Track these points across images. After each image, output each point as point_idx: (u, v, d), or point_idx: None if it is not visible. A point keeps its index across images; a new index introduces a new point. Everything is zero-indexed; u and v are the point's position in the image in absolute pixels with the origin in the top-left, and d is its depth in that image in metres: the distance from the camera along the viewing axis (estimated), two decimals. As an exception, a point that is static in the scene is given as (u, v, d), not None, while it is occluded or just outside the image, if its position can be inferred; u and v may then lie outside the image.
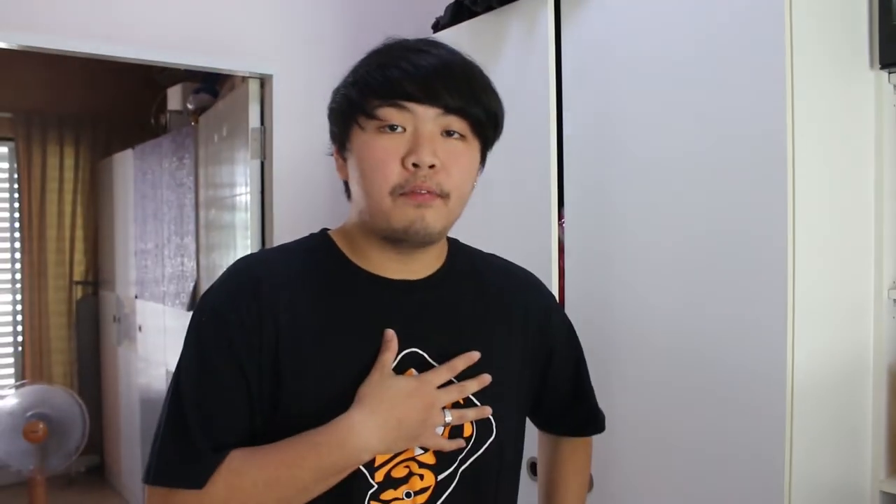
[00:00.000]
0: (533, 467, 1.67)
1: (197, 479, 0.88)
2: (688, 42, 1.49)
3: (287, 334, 0.92)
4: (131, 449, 4.13)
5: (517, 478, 1.10)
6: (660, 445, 1.53)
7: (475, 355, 0.98)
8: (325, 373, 0.93)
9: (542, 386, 1.14)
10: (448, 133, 0.93)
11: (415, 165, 0.90)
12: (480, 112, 0.94)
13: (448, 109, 0.91)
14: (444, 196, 0.92)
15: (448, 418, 0.95)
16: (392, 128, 0.91)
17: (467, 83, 0.94)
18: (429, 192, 0.91)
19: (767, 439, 1.35)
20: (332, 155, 1.03)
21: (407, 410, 0.92)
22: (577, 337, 1.20)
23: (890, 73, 1.54)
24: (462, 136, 0.94)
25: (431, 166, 0.90)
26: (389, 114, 0.91)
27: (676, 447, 1.51)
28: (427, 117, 0.91)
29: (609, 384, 1.60)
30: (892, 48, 1.51)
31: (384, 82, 0.91)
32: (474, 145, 0.96)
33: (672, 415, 1.52)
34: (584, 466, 1.24)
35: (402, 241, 0.95)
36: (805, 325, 1.35)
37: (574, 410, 1.20)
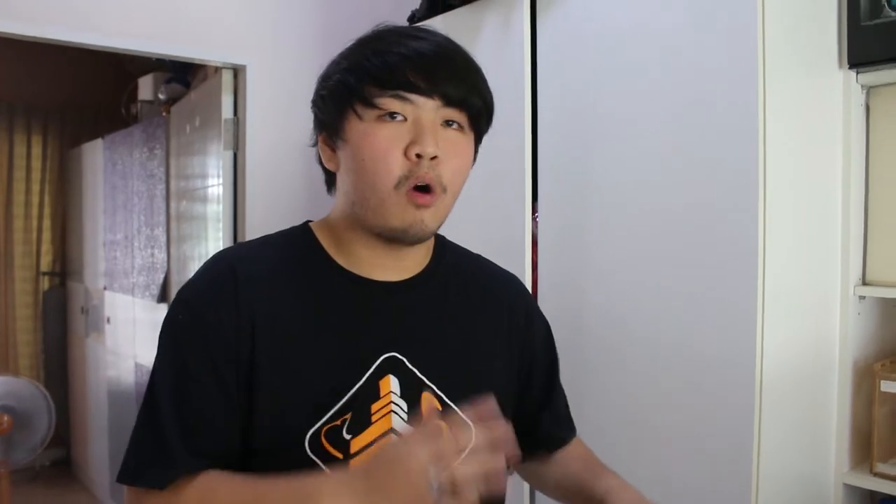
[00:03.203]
0: None
1: (167, 479, 0.87)
2: (662, 38, 1.51)
3: (265, 336, 0.90)
4: (98, 442, 4.07)
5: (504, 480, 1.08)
6: (631, 435, 1.55)
7: (483, 406, 0.89)
8: (302, 377, 0.91)
9: (523, 394, 1.09)
10: (447, 123, 0.91)
11: (418, 156, 0.88)
12: (479, 103, 0.93)
13: (449, 101, 0.90)
14: (442, 191, 0.91)
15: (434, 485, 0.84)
16: (392, 116, 0.89)
17: (467, 73, 0.92)
18: (430, 184, 0.89)
19: (737, 430, 1.37)
20: (314, 145, 0.99)
21: (389, 477, 0.79)
22: (552, 340, 1.16)
23: (858, 72, 1.57)
24: (460, 128, 0.93)
25: (434, 157, 0.89)
26: (391, 103, 0.88)
27: (648, 437, 1.52)
28: (429, 107, 0.89)
29: (581, 377, 1.61)
30: (860, 48, 1.54)
31: (384, 69, 0.88)
32: (470, 137, 0.95)
33: (644, 406, 1.53)
34: (593, 455, 1.16)
35: (398, 239, 0.93)
36: (774, 319, 1.37)
37: (550, 416, 1.14)
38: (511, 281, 1.13)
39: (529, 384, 1.11)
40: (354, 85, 0.89)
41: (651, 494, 1.49)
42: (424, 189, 0.89)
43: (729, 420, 1.38)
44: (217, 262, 0.96)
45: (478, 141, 0.99)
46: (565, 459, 1.14)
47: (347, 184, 0.94)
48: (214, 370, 0.89)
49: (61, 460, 4.68)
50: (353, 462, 0.90)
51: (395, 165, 0.88)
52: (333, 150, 0.95)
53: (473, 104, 0.92)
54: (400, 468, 0.78)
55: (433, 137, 0.89)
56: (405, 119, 0.89)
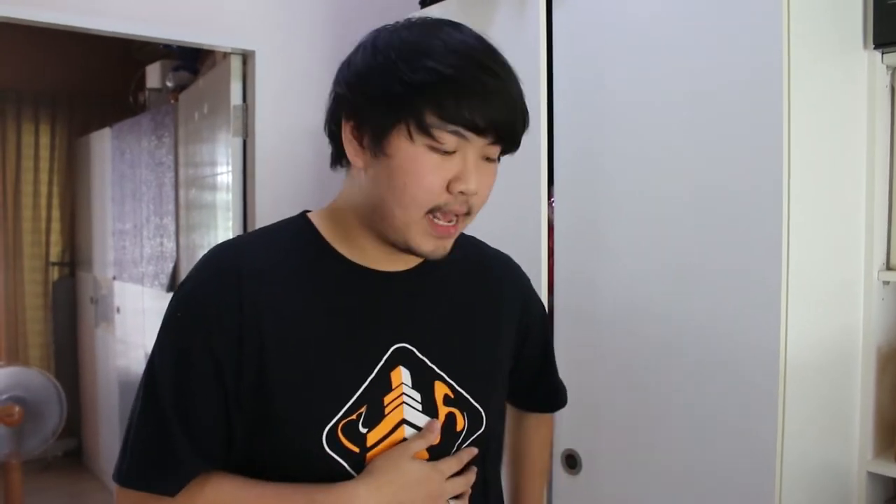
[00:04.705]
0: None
1: (174, 485, 0.87)
2: (682, 17, 1.47)
3: (273, 331, 0.88)
4: (110, 432, 4.08)
5: (500, 461, 1.12)
6: (650, 426, 1.52)
7: (474, 451, 0.98)
8: (315, 373, 0.89)
9: (514, 365, 1.13)
10: (486, 158, 0.90)
11: (461, 192, 0.87)
12: (519, 138, 0.92)
13: (499, 139, 0.88)
14: (468, 214, 0.91)
15: None
16: (445, 150, 0.86)
17: (521, 110, 0.90)
18: (457, 215, 0.89)
19: (760, 418, 1.34)
20: (333, 126, 0.93)
21: (412, 497, 0.90)
22: (547, 317, 1.22)
23: (883, 52, 1.53)
24: (495, 159, 0.92)
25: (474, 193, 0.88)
26: (449, 139, 0.84)
27: (669, 425, 1.50)
28: (479, 144, 0.87)
29: (599, 366, 1.59)
30: (886, 28, 1.50)
31: (452, 103, 0.83)
32: (497, 163, 0.94)
33: (664, 394, 1.50)
34: (547, 441, 1.28)
35: (416, 255, 0.92)
36: (798, 306, 1.34)
37: (539, 386, 1.21)
38: (507, 262, 1.14)
39: (525, 357, 1.14)
40: (413, 103, 0.84)
41: (673, 482, 1.47)
42: (452, 218, 0.89)
43: (752, 408, 1.36)
44: (216, 256, 0.94)
45: None
46: (528, 432, 1.24)
47: (373, 191, 0.89)
48: (217, 367, 0.87)
49: (73, 450, 4.69)
50: (369, 455, 0.90)
51: (434, 195, 0.86)
52: (363, 146, 0.89)
53: (517, 141, 0.91)
54: (426, 491, 0.91)
55: (477, 175, 0.87)
56: (454, 152, 0.86)
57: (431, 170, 0.85)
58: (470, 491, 0.98)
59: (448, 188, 0.86)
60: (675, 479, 1.48)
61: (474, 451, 0.98)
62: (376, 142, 0.87)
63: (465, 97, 0.83)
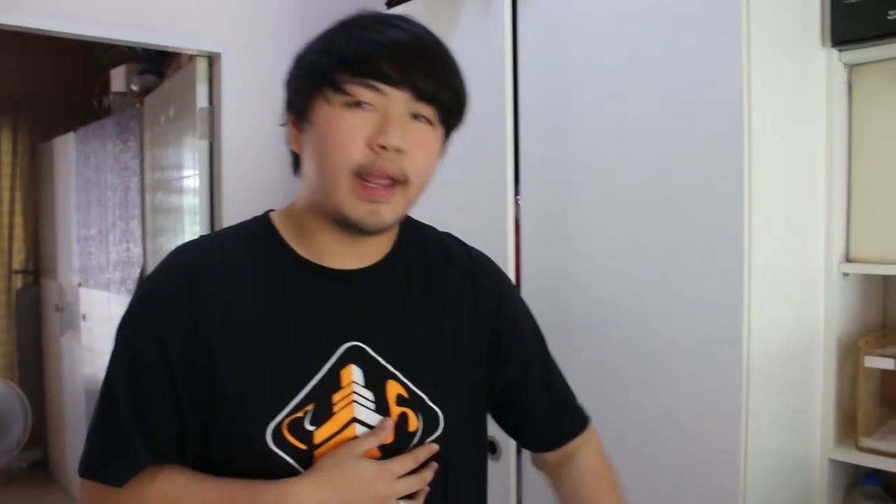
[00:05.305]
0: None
1: (124, 477, 0.88)
2: (645, 17, 1.49)
3: (222, 329, 0.89)
4: (76, 442, 4.01)
5: (479, 467, 1.07)
6: (617, 418, 1.54)
7: (433, 447, 0.94)
8: (261, 370, 0.89)
9: (502, 383, 1.07)
10: (415, 116, 0.89)
11: (382, 147, 0.86)
12: (451, 98, 0.91)
13: (420, 94, 0.88)
14: (403, 182, 0.89)
15: None
16: (360, 104, 0.87)
17: (441, 67, 0.90)
18: (389, 177, 0.87)
19: (724, 411, 1.36)
20: (284, 125, 0.97)
21: (356, 495, 0.88)
22: (534, 325, 1.13)
23: (840, 51, 1.57)
24: (429, 122, 0.91)
25: (398, 150, 0.87)
26: (361, 92, 0.86)
27: (635, 420, 1.51)
28: (399, 99, 0.87)
29: (566, 360, 1.60)
30: (843, 27, 1.54)
31: (357, 56, 0.86)
32: (439, 131, 0.93)
33: (631, 389, 1.52)
34: (604, 471, 1.11)
35: (355, 229, 0.91)
36: (760, 300, 1.37)
37: (544, 409, 1.10)
38: (482, 261, 1.10)
39: (511, 370, 1.07)
40: (326, 68, 0.87)
41: (640, 476, 1.49)
42: (383, 181, 0.87)
43: (717, 399, 1.38)
44: (175, 256, 0.96)
45: (447, 135, 0.97)
46: (577, 474, 1.08)
47: (309, 168, 0.92)
48: (168, 365, 0.88)
49: (39, 461, 4.61)
50: (318, 453, 0.90)
51: (356, 153, 0.86)
52: (300, 131, 0.93)
53: (445, 99, 0.90)
54: (372, 491, 0.88)
55: (400, 130, 0.87)
56: (374, 109, 0.87)
57: (349, 126, 0.86)
58: (428, 489, 0.94)
59: (370, 145, 0.86)
60: (642, 471, 1.50)
61: (434, 447, 0.95)
62: (303, 117, 0.91)
63: (367, 46, 0.86)
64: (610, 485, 1.09)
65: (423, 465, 0.95)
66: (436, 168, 0.95)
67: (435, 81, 0.88)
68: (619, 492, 1.09)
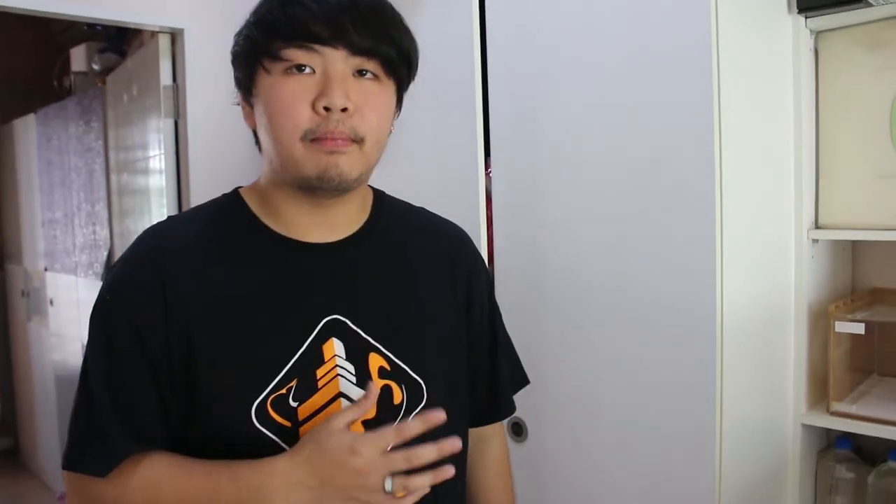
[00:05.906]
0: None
1: (106, 467, 0.86)
2: (613, -16, 1.48)
3: (198, 310, 0.88)
4: (47, 429, 3.95)
5: (462, 437, 1.02)
6: (592, 389, 1.54)
7: (441, 416, 0.87)
8: (241, 349, 0.88)
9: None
10: (360, 73, 0.88)
11: (326, 109, 0.85)
12: (392, 51, 0.89)
13: (357, 50, 0.86)
14: (358, 141, 0.87)
15: (388, 487, 0.84)
16: (300, 68, 0.86)
17: (376, 21, 0.88)
18: (342, 138, 0.86)
19: (700, 378, 1.37)
20: (238, 104, 0.96)
21: (333, 475, 0.82)
22: (496, 303, 1.15)
23: (807, 17, 1.57)
24: (375, 77, 0.89)
25: (344, 109, 0.85)
26: (296, 55, 0.85)
27: (609, 390, 1.52)
28: (336, 58, 0.86)
29: (540, 331, 1.60)
30: (809, -7, 1.53)
31: (287, 21, 0.85)
32: (389, 86, 0.92)
33: (603, 359, 1.52)
34: (503, 470, 1.16)
35: (317, 189, 0.89)
36: (732, 267, 1.37)
37: (481, 390, 1.10)
38: (455, 231, 1.11)
39: (470, 335, 1.08)
40: (261, 39, 0.87)
41: (617, 442, 1.50)
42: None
43: (692, 367, 1.39)
44: (143, 239, 0.94)
45: (401, 90, 0.95)
46: (481, 472, 1.14)
47: (264, 140, 0.91)
48: (143, 349, 0.87)
49: (9, 450, 4.54)
50: (303, 429, 0.88)
51: (302, 119, 0.85)
52: (251, 106, 0.93)
53: (385, 52, 0.89)
54: (349, 466, 0.82)
55: (342, 89, 0.85)
56: (314, 72, 0.86)
57: (291, 92, 0.86)
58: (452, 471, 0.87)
59: (315, 109, 0.85)
60: (620, 440, 1.51)
61: (443, 415, 0.87)
62: (249, 91, 0.91)
63: (296, 10, 0.85)
64: (508, 498, 1.16)
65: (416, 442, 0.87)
66: (390, 123, 0.94)
67: (370, 34, 0.87)
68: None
